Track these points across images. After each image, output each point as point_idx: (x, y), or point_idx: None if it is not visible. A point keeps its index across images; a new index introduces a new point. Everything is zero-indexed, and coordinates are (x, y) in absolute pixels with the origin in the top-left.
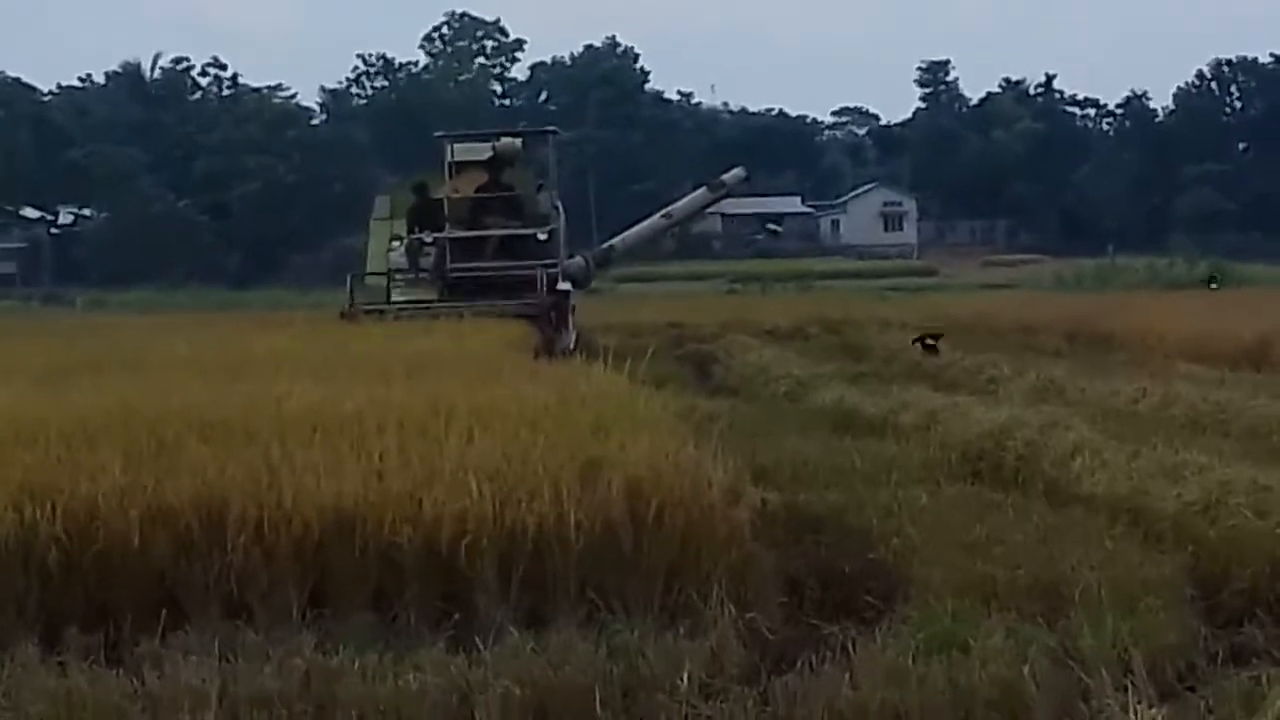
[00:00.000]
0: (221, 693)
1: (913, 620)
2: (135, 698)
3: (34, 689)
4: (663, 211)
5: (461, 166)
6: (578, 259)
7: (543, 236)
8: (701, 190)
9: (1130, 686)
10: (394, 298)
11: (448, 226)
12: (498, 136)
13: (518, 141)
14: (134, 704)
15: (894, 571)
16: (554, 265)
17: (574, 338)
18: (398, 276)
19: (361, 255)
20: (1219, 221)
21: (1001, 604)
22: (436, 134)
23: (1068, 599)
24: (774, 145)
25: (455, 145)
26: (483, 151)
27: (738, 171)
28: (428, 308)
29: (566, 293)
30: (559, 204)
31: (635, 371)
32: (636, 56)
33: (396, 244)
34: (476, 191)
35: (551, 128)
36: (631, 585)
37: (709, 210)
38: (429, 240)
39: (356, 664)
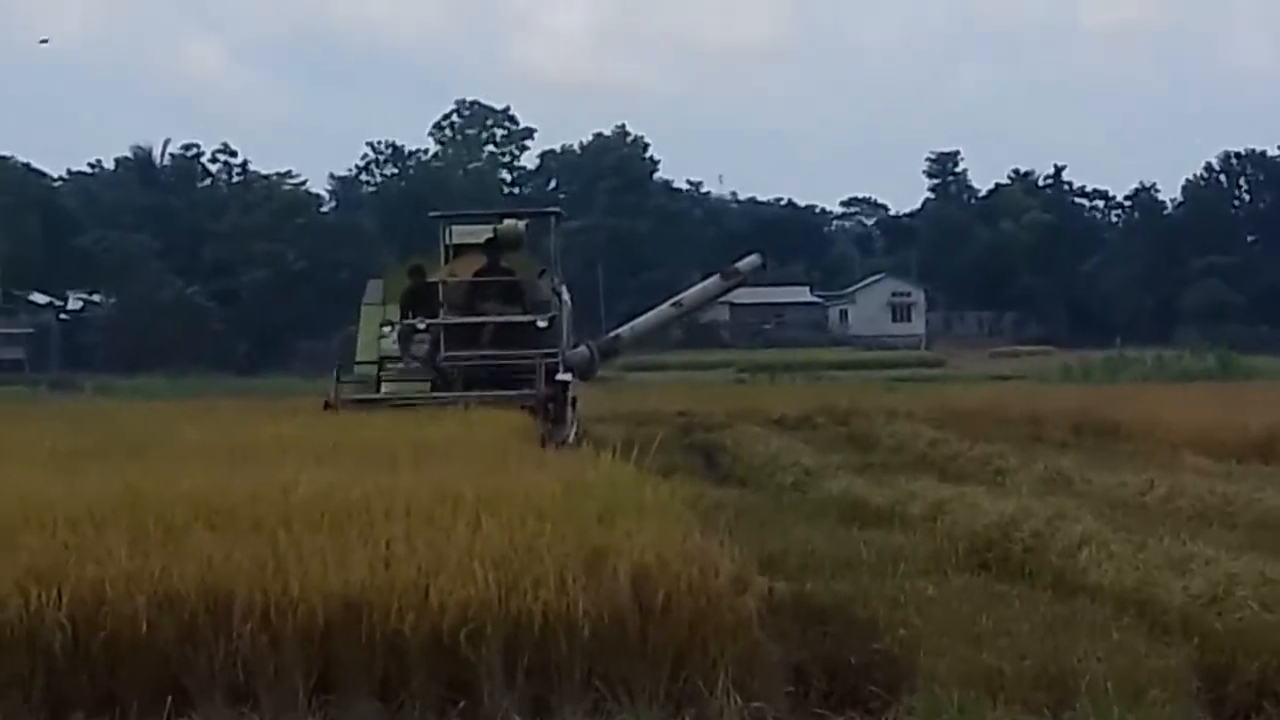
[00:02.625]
0: None
1: (918, 711)
2: None
3: None
4: (673, 300)
5: (460, 249)
6: (581, 349)
7: (543, 324)
8: (715, 278)
9: None
10: (385, 387)
11: (443, 312)
12: (500, 218)
13: (520, 224)
14: None
15: (900, 662)
16: (555, 354)
17: (574, 430)
18: (389, 365)
19: (351, 342)
20: (1227, 314)
21: (1008, 695)
22: (433, 214)
23: (1074, 690)
24: (783, 235)
25: (454, 226)
26: (482, 234)
27: (753, 259)
28: (419, 399)
29: (565, 383)
30: (562, 290)
31: (642, 460)
32: (646, 146)
33: (388, 330)
34: (475, 275)
35: (555, 209)
36: (638, 673)
37: (719, 300)
38: (422, 326)
39: None
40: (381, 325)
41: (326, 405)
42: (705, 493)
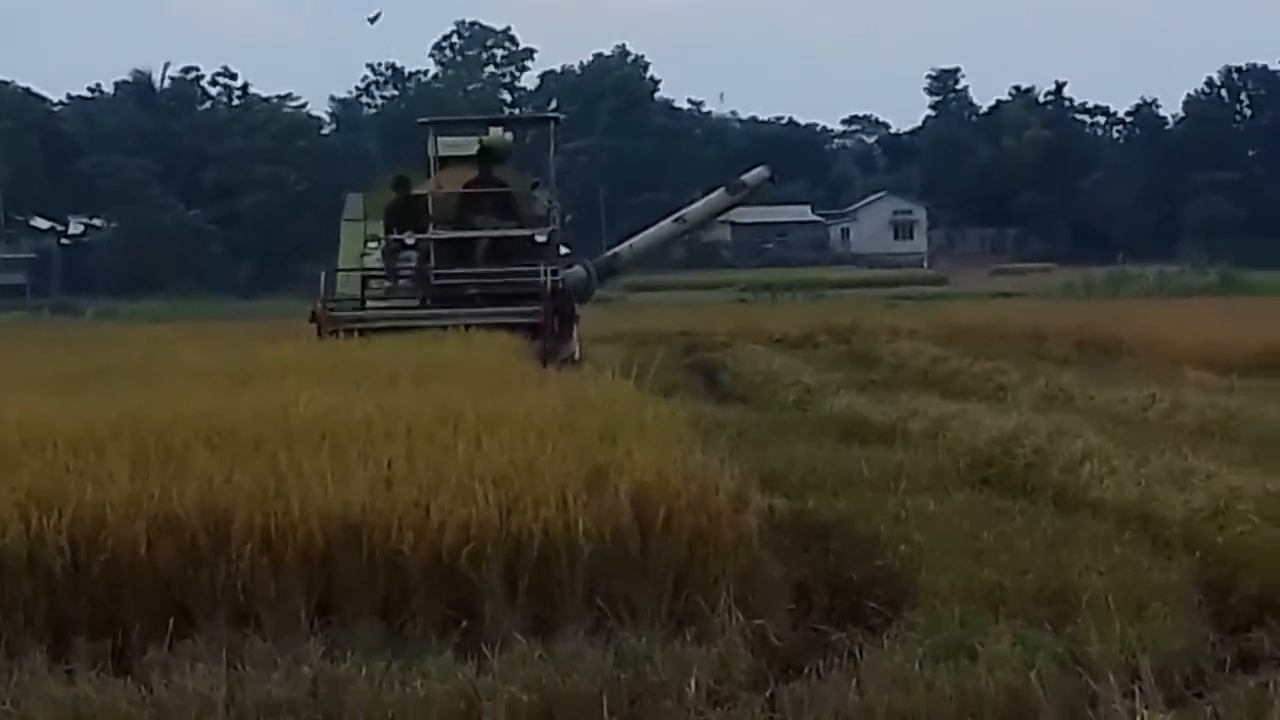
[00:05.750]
0: (229, 700)
1: (920, 627)
2: (143, 705)
3: (42, 697)
4: (675, 215)
5: (447, 161)
6: (577, 268)
7: (541, 238)
8: (719, 192)
9: (1138, 692)
10: (369, 306)
11: (432, 227)
12: (487, 127)
13: (507, 134)
14: (142, 712)
15: (901, 578)
16: (555, 271)
17: (578, 348)
18: (373, 284)
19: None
20: (1228, 229)
21: (1009, 610)
22: (421, 120)
23: (1075, 605)
24: (784, 154)
25: (441, 138)
26: (471, 145)
27: (760, 170)
28: (411, 319)
29: (570, 296)
30: (558, 204)
31: (643, 380)
32: (646, 65)
33: (372, 246)
34: (465, 188)
35: (553, 114)
36: (639, 592)
37: (720, 219)
38: (410, 242)
39: (364, 671)
40: (366, 241)
41: (313, 317)
42: (706, 412)
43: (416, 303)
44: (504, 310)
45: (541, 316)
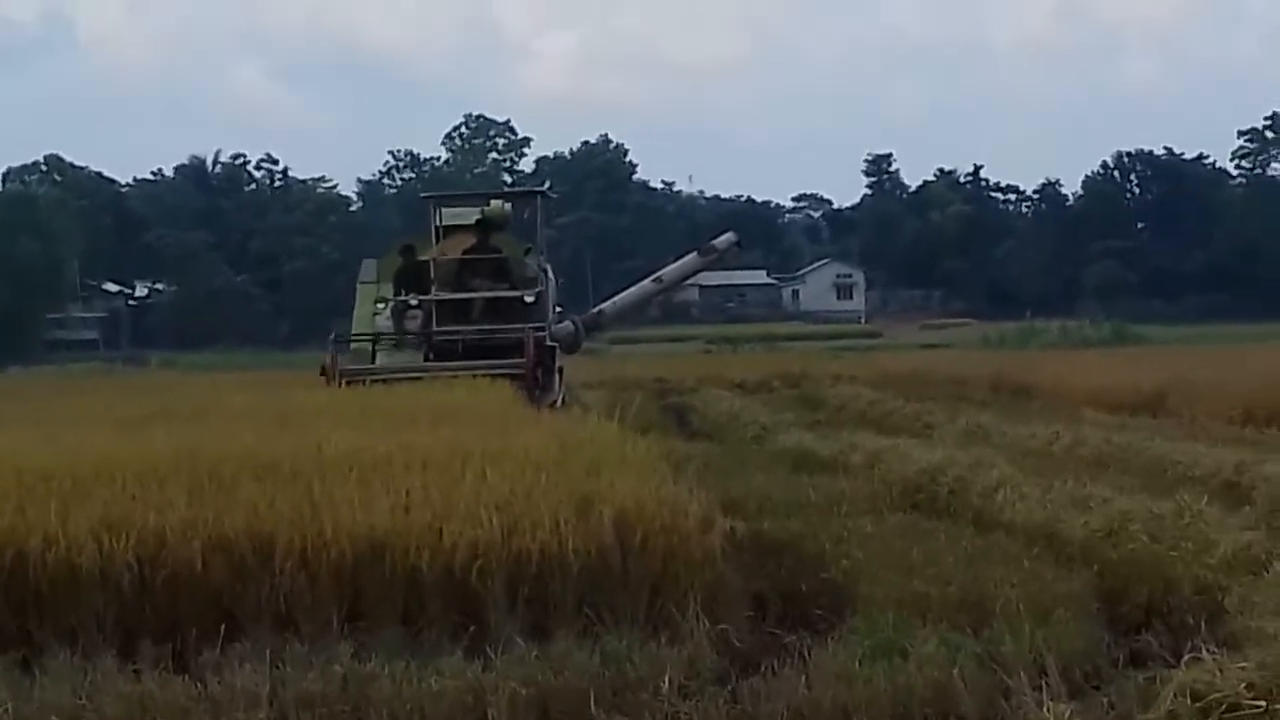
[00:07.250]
0: (272, 695)
1: (859, 630)
2: (199, 700)
3: (112, 694)
4: (654, 276)
5: (449, 230)
6: (566, 323)
7: (530, 299)
8: (692, 255)
9: (1045, 686)
10: (379, 360)
11: (434, 289)
12: (488, 199)
13: (505, 205)
14: (197, 705)
15: (843, 589)
16: (542, 327)
17: (561, 395)
18: (383, 340)
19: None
20: (1121, 290)
21: (935, 616)
22: (423, 194)
23: (991, 612)
24: (743, 226)
25: (443, 208)
26: (471, 215)
27: (729, 236)
28: (413, 371)
29: (552, 350)
30: (547, 267)
31: (624, 420)
32: (626, 151)
33: (382, 306)
34: (464, 254)
35: (540, 188)
36: (620, 601)
37: (689, 281)
38: (414, 303)
39: (387, 670)
40: (376, 302)
41: (322, 372)
42: (677, 447)
43: (421, 356)
44: (493, 362)
45: (525, 368)
